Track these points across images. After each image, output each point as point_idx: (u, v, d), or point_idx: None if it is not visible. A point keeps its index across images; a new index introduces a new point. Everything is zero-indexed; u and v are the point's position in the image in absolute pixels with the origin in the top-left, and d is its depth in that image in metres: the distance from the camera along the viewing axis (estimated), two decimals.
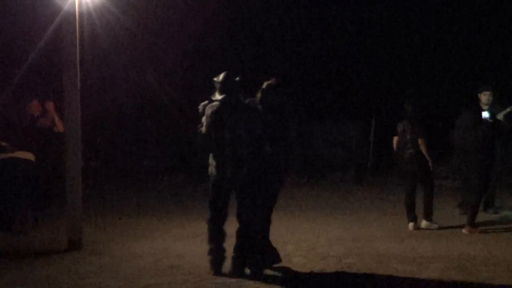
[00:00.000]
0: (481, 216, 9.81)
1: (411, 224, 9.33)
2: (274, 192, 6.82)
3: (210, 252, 6.76)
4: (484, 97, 9.21)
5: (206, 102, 6.80)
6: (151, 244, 8.45)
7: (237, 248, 6.66)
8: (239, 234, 6.67)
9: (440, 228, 9.19)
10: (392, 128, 9.87)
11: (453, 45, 21.48)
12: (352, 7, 21.77)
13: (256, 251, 6.64)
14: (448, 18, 21.62)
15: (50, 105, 9.80)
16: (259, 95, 6.88)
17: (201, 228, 9.75)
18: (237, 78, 6.76)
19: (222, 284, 6.25)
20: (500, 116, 8.97)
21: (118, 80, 20.33)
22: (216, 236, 6.77)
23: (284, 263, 7.04)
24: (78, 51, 8.19)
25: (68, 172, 8.19)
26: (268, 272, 6.72)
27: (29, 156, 9.48)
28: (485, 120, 8.98)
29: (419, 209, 9.41)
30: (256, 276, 6.49)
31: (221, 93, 6.66)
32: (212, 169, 6.68)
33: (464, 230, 8.95)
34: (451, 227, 9.35)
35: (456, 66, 21.05)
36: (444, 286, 6.08)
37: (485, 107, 9.15)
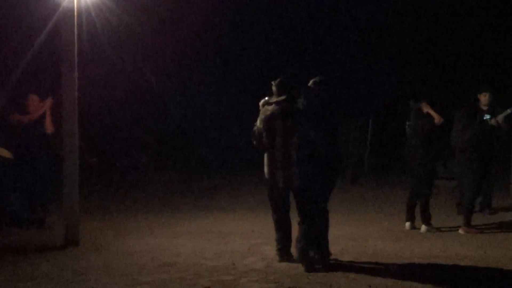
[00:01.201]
0: (478, 217, 9.84)
1: (407, 224, 9.34)
2: (327, 190, 6.93)
3: (276, 240, 7.15)
4: (484, 98, 9.24)
5: (266, 99, 7.06)
6: (148, 241, 8.46)
7: (301, 240, 6.83)
8: (302, 228, 6.88)
9: (437, 229, 9.20)
10: (390, 127, 9.86)
11: (454, 45, 21.51)
12: (351, 7, 21.78)
13: (319, 244, 6.82)
14: (448, 17, 21.63)
15: (48, 103, 9.71)
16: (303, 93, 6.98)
17: (198, 226, 9.80)
18: (293, 82, 7.01)
19: (218, 281, 6.27)
20: (500, 118, 8.97)
21: (116, 77, 20.30)
22: (281, 228, 7.11)
23: (281, 261, 7.07)
24: (76, 47, 8.19)
25: (65, 169, 8.19)
26: (264, 269, 6.74)
27: (5, 153, 9.38)
28: (484, 121, 8.99)
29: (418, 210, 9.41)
30: (323, 267, 6.68)
31: (277, 94, 6.95)
32: (265, 170, 7.06)
33: (460, 230, 8.97)
34: (448, 227, 9.37)
35: (456, 66, 21.08)
36: (440, 286, 6.10)
37: (484, 108, 9.15)
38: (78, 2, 8.21)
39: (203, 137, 21.86)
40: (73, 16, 8.15)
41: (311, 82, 6.99)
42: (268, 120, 6.89)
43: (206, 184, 16.09)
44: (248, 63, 22.03)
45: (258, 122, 7.01)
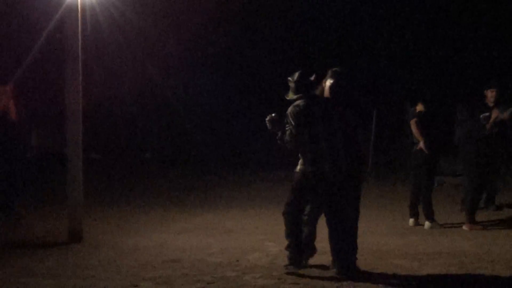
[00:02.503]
0: (482, 213, 9.82)
1: (411, 220, 9.33)
2: (360, 187, 6.71)
3: (288, 246, 6.57)
4: (491, 93, 9.20)
5: (273, 115, 6.63)
6: (151, 237, 8.46)
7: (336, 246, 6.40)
8: (337, 231, 6.41)
9: (441, 225, 9.18)
10: (392, 124, 9.88)
11: (458, 41, 21.46)
12: (356, 4, 21.76)
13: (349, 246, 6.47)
14: (453, 14, 21.58)
15: (8, 90, 9.52)
16: (325, 83, 6.70)
17: (202, 222, 9.80)
18: (312, 77, 6.63)
19: (222, 278, 6.26)
20: (507, 114, 8.94)
21: (120, 73, 20.32)
22: (295, 230, 6.57)
23: (284, 258, 7.05)
24: (80, 43, 8.19)
25: (69, 164, 8.19)
26: (264, 266, 6.74)
27: None
28: (484, 116, 8.96)
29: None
30: (349, 271, 6.31)
31: (296, 92, 6.53)
32: (305, 166, 6.44)
33: (464, 227, 8.96)
34: (452, 223, 9.35)
35: (459, 63, 21.03)
36: (444, 283, 6.09)
37: (490, 104, 9.11)
38: None
39: (207, 133, 21.86)
40: (77, 12, 8.15)
41: (330, 71, 6.75)
42: (304, 110, 6.40)
43: (210, 181, 16.09)
44: (252, 61, 22.01)
45: (289, 123, 6.45)
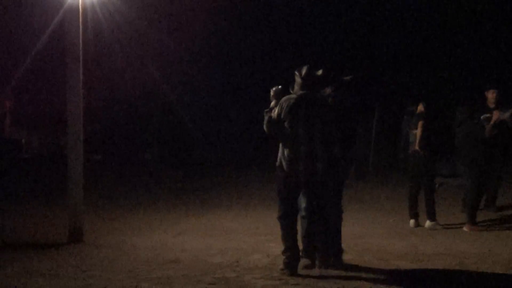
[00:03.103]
0: (482, 214, 9.81)
1: (411, 221, 9.33)
2: (341, 187, 6.87)
3: (285, 251, 6.50)
4: (492, 95, 9.20)
5: (279, 87, 6.74)
6: (152, 238, 8.46)
7: (307, 235, 6.64)
8: (313, 228, 6.60)
9: (442, 225, 9.18)
10: (394, 124, 9.90)
11: (459, 42, 21.46)
12: (357, 4, 21.76)
13: (330, 243, 6.65)
14: (454, 14, 21.59)
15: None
16: (328, 90, 6.78)
17: (202, 223, 9.80)
18: (319, 73, 6.63)
19: (222, 278, 6.26)
20: (507, 115, 8.94)
21: (121, 73, 20.32)
22: (290, 234, 6.52)
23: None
24: (81, 44, 8.19)
25: (70, 165, 8.20)
26: (263, 266, 6.74)
27: None
28: (485, 117, 8.96)
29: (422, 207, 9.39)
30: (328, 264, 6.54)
31: (302, 87, 6.53)
32: (283, 163, 6.51)
33: (464, 228, 8.96)
34: (453, 224, 9.35)
35: (460, 64, 21.03)
36: (444, 284, 6.09)
37: (491, 106, 9.11)
38: None
39: (207, 134, 21.87)
40: (78, 12, 8.15)
41: (345, 79, 6.89)
42: (292, 108, 6.41)
43: (211, 181, 16.09)
44: (252, 62, 22.02)
45: (277, 110, 6.49)
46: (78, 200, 8.19)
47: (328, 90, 6.81)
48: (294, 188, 6.49)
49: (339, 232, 6.83)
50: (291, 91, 6.63)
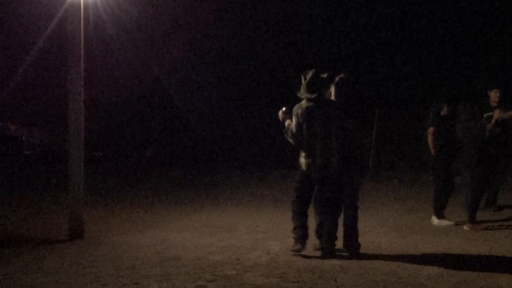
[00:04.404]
0: (483, 214, 9.82)
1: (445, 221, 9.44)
2: (357, 183, 7.24)
3: (295, 229, 7.20)
4: (494, 94, 9.20)
5: (285, 109, 7.47)
6: (152, 235, 8.47)
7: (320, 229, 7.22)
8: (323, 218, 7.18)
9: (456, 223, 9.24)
10: (395, 123, 9.96)
11: (459, 42, 21.46)
12: (357, 5, 21.77)
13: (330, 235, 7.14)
14: (454, 14, 21.59)
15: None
16: (331, 89, 7.24)
17: (202, 220, 9.81)
18: (324, 75, 7.19)
19: (222, 276, 6.27)
20: (508, 114, 8.93)
21: (122, 71, 20.32)
22: (301, 215, 7.23)
23: (285, 256, 7.08)
24: (82, 41, 8.20)
25: (70, 162, 8.20)
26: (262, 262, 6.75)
27: None
28: (487, 116, 8.96)
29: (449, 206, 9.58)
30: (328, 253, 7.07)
31: (307, 91, 7.10)
32: (302, 160, 7.20)
33: (465, 227, 8.97)
34: (454, 223, 9.35)
35: (461, 63, 21.04)
36: (445, 282, 6.09)
37: (494, 105, 9.11)
38: None
39: (208, 132, 21.88)
40: (80, 10, 8.15)
41: (337, 78, 7.27)
42: (306, 111, 7.09)
43: (211, 179, 16.10)
44: (253, 60, 22.02)
45: (294, 120, 7.20)
46: (79, 197, 8.19)
47: (330, 89, 7.28)
48: (309, 182, 7.19)
49: (354, 227, 7.23)
50: (297, 94, 7.21)
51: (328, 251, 7.08)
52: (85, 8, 8.33)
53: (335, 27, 22.21)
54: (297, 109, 7.18)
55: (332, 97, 7.25)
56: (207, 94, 22.07)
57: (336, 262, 6.84)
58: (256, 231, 8.79)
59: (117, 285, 5.93)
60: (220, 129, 22.09)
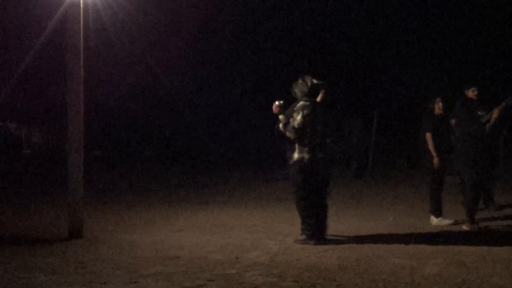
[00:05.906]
0: (482, 213, 9.82)
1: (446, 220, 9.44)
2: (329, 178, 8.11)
3: (310, 226, 7.80)
4: (472, 93, 9.25)
5: (282, 102, 8.16)
6: (151, 234, 8.48)
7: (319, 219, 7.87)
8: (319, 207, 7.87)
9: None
10: (393, 123, 10.00)
11: (453, 43, 21.50)
12: (354, 5, 21.79)
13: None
14: (447, 17, 21.64)
15: None
16: (322, 94, 8.09)
17: (202, 220, 9.81)
18: (321, 82, 8.05)
19: (222, 275, 6.28)
20: (498, 110, 8.97)
21: (122, 70, 20.32)
22: (314, 209, 7.81)
23: (284, 255, 7.08)
24: (82, 41, 8.20)
25: (70, 161, 8.20)
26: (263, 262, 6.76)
27: None
28: (479, 116, 8.98)
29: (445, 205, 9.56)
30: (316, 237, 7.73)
31: (307, 95, 7.89)
32: (302, 154, 7.80)
33: (464, 226, 8.97)
34: (453, 222, 9.36)
35: (457, 64, 21.06)
36: (443, 282, 6.10)
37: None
38: None
39: (208, 131, 21.88)
40: (79, 8, 8.15)
41: (325, 84, 8.19)
42: (312, 111, 7.80)
43: (210, 178, 16.10)
44: (254, 61, 22.03)
45: (299, 117, 7.77)
46: (78, 196, 8.19)
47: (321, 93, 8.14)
48: (310, 175, 7.76)
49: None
50: (294, 95, 7.98)
51: (320, 238, 7.75)
52: (85, 8, 8.33)
53: (335, 27, 22.22)
54: (303, 108, 7.79)
55: (318, 99, 8.03)
56: (207, 93, 22.08)
57: (335, 261, 6.84)
58: (255, 231, 8.80)
59: (116, 284, 5.93)
60: (220, 129, 22.10)
